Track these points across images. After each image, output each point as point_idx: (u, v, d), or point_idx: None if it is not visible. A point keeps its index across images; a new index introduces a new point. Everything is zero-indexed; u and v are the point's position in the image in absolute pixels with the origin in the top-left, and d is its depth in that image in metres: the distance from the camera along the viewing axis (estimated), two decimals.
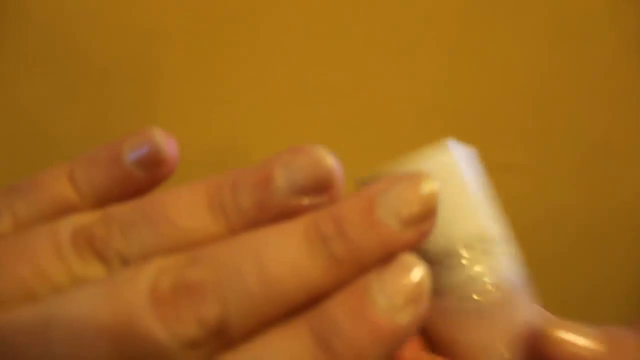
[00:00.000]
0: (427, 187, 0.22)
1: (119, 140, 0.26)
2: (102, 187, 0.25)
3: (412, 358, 0.27)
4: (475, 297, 0.27)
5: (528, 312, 0.28)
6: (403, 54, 0.47)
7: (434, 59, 0.47)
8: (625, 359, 0.26)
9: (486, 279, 0.27)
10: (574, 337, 0.26)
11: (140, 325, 0.21)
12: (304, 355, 0.21)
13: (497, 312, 0.27)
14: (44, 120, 0.45)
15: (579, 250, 0.49)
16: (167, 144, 0.25)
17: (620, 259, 0.49)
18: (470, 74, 0.47)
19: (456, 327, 0.27)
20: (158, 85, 0.45)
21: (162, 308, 0.21)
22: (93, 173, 0.25)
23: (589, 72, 0.48)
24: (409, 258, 0.22)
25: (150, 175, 0.25)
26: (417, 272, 0.22)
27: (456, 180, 0.28)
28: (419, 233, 0.22)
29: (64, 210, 0.25)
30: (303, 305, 0.22)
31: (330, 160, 0.23)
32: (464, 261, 0.27)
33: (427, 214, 0.22)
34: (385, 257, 0.22)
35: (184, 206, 0.23)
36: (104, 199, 0.25)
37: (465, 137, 0.29)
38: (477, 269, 0.27)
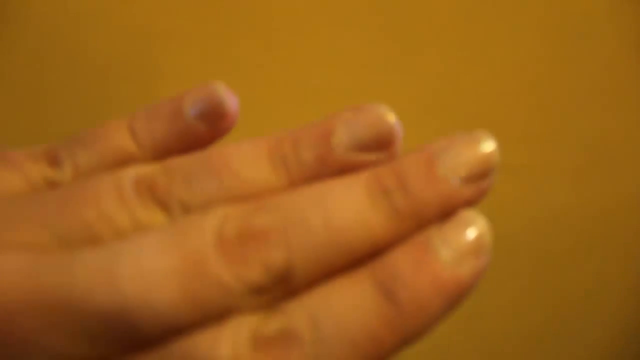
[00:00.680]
0: (487, 146, 0.23)
1: (181, 93, 0.26)
2: (163, 140, 0.26)
3: None
4: None
5: None
6: (403, 54, 0.47)
7: (434, 59, 0.47)
8: None
9: None
10: None
11: (208, 269, 0.21)
12: (368, 304, 0.21)
13: None
14: (44, 120, 0.45)
15: (579, 250, 0.49)
16: (229, 98, 0.25)
17: (620, 259, 0.49)
18: (470, 74, 0.47)
19: None
20: (158, 85, 0.45)
21: (229, 253, 0.21)
22: (154, 126, 0.26)
23: (589, 72, 0.48)
24: (469, 213, 0.22)
25: (211, 129, 0.26)
26: (478, 226, 0.22)
27: None
28: (479, 190, 0.22)
29: (124, 161, 0.25)
30: (365, 256, 0.22)
31: (392, 117, 0.23)
32: None
33: (486, 172, 0.23)
34: (446, 213, 0.22)
35: (246, 158, 0.23)
36: (163, 152, 0.25)
37: None
38: None
